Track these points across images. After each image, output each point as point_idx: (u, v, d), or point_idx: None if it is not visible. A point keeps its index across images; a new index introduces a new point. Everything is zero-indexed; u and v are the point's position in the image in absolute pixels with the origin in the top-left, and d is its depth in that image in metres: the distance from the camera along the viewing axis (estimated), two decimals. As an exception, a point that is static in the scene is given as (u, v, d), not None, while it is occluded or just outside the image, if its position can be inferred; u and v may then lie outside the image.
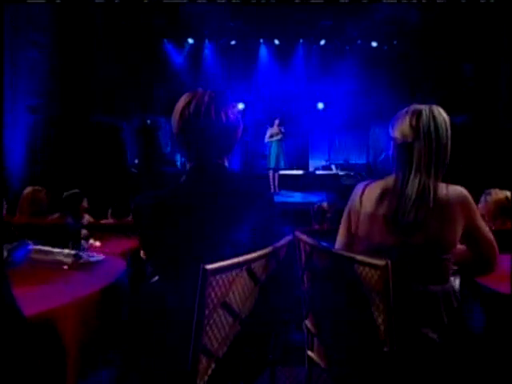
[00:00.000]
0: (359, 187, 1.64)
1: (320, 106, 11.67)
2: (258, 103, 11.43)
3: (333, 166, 10.38)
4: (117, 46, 9.14)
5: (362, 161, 11.24)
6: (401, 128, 1.56)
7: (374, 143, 11.16)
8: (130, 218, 5.13)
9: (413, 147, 1.49)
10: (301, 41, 11.20)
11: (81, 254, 1.63)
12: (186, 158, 1.36)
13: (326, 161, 11.02)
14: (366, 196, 1.57)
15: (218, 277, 1.15)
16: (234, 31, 10.55)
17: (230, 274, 1.19)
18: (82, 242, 3.22)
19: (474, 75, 9.18)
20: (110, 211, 5.32)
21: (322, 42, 11.14)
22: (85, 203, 4.23)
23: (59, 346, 1.04)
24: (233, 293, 1.23)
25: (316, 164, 11.10)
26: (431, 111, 1.49)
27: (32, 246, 1.59)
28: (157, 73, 10.35)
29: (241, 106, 11.69)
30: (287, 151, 9.49)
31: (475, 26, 8.26)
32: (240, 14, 9.71)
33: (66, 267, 1.53)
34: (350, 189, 4.94)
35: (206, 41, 11.14)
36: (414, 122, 1.51)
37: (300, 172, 10.32)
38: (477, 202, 3.58)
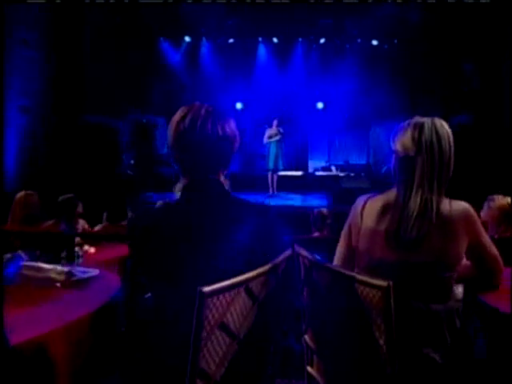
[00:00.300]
0: (360, 201, 1.63)
1: (320, 105, 11.68)
2: (257, 103, 11.44)
3: (333, 167, 10.37)
4: (112, 45, 9.10)
5: (363, 161, 11.23)
6: (402, 141, 1.56)
7: (374, 143, 11.14)
8: (125, 222, 5.14)
9: (415, 161, 1.48)
10: (300, 39, 11.21)
11: (74, 270, 1.61)
12: (181, 173, 1.34)
13: (326, 162, 11.02)
14: (367, 210, 1.57)
15: (215, 299, 1.14)
16: (231, 29, 10.53)
17: (228, 294, 1.18)
18: (77, 248, 3.19)
19: (476, 74, 9.19)
20: (104, 215, 5.30)
21: (322, 41, 11.15)
22: (80, 208, 4.20)
23: (50, 374, 1.02)
24: (230, 313, 1.22)
25: (315, 165, 11.09)
26: (433, 124, 1.48)
27: (24, 262, 1.57)
28: (153, 72, 10.33)
29: (239, 105, 11.73)
30: (286, 152, 9.49)
31: (477, 25, 8.26)
32: (238, 11, 9.70)
33: (58, 285, 1.52)
34: (350, 192, 4.96)
35: (204, 39, 11.13)
36: (416, 136, 1.50)
37: (299, 173, 10.33)
38: (480, 207, 3.58)
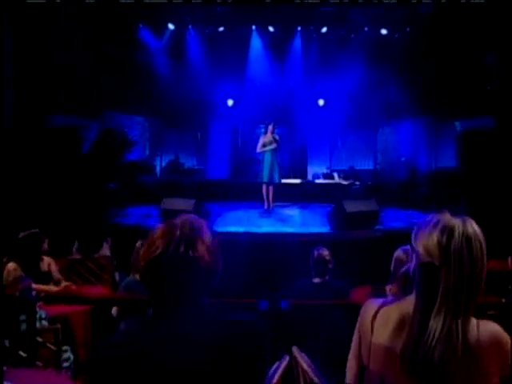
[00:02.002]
0: (370, 308, 1.53)
1: (320, 102, 11.62)
2: (250, 99, 11.35)
3: (335, 174, 10.30)
4: (83, 33, 8.84)
5: (369, 166, 11.22)
6: (427, 245, 1.45)
7: (382, 146, 11.17)
8: (99, 255, 5.02)
9: (440, 272, 1.39)
10: (299, 28, 11.10)
11: None
12: (153, 299, 1.27)
13: (327, 168, 10.98)
14: (379, 322, 1.47)
15: None
16: (221, 16, 10.37)
17: None
18: (38, 310, 3.09)
19: (501, 70, 9.06)
20: (75, 245, 5.18)
21: (324, 30, 11.03)
22: (45, 245, 4.08)
23: None
24: None
25: (316, 170, 11.05)
26: (465, 230, 1.38)
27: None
28: (131, 65, 10.15)
29: (230, 102, 11.64)
30: (283, 158, 9.40)
31: (505, 10, 8.02)
32: (229, -5, 9.59)
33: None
34: (355, 217, 4.86)
35: (190, 27, 11.00)
36: (443, 242, 1.39)
37: (297, 181, 10.25)
38: (503, 225, 3.50)
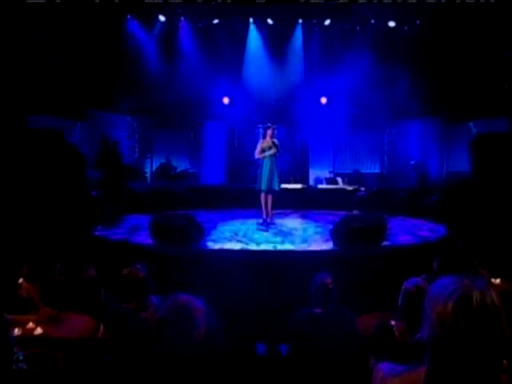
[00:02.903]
0: (377, 375, 1.50)
1: (323, 100, 11.55)
2: (247, 98, 11.31)
3: (339, 179, 10.24)
4: (66, 26, 8.75)
5: (375, 170, 11.17)
6: (441, 314, 1.40)
7: (390, 148, 11.15)
8: (85, 276, 4.93)
9: (454, 346, 1.34)
10: (300, 21, 11.05)
11: None
12: None
13: (330, 172, 10.92)
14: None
15: None
16: (216, 8, 10.25)
17: None
18: (16, 351, 3.01)
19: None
20: (58, 266, 5.09)
21: (327, 23, 10.97)
22: (24, 270, 4.00)
23: None
24: None
25: (318, 174, 11.00)
26: (483, 300, 1.33)
27: None
28: (118, 60, 10.04)
29: (226, 100, 11.56)
30: (282, 159, 9.27)
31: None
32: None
33: None
34: (360, 233, 4.80)
35: (182, 19, 10.91)
36: (459, 313, 1.35)
37: (298, 186, 10.16)
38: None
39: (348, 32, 10.99)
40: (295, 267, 4.87)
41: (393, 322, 3.13)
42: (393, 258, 5.31)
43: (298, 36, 11.24)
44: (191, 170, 11.22)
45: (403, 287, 3.12)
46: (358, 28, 11.04)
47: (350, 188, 9.79)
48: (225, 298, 4.35)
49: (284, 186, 9.09)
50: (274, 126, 7.80)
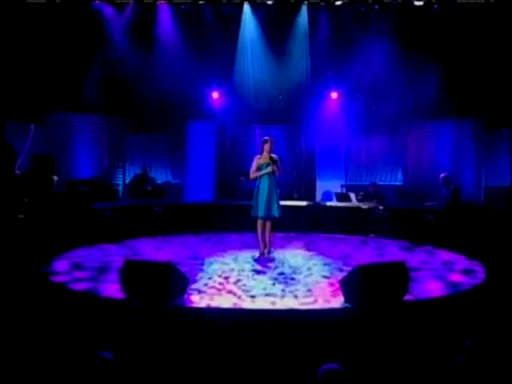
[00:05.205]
0: None
1: (333, 96, 11.39)
2: (241, 92, 11.26)
3: (352, 195, 9.92)
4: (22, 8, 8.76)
5: (396, 182, 10.96)
6: None
7: (414, 156, 10.91)
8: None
9: None
10: (305, 1, 10.89)
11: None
12: None
13: (342, 185, 10.70)
14: None
15: None
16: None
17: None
18: None
19: None
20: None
21: (338, 3, 10.73)
22: None
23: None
24: None
25: (327, 187, 10.75)
26: None
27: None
28: (85, 50, 9.91)
29: (215, 95, 11.41)
30: (283, 168, 9.02)
31: None
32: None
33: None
34: (377, 286, 4.55)
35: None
36: None
37: (303, 203, 9.87)
38: None
39: (363, 14, 10.77)
40: (296, 339, 4.63)
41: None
42: (416, 320, 5.04)
43: (303, 19, 11.10)
44: (174, 182, 11.06)
45: None
46: (376, 7, 10.77)
47: (364, 207, 9.56)
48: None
49: (285, 203, 8.85)
50: (273, 139, 7.60)
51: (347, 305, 5.39)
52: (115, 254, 7.36)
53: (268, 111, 11.10)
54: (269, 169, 7.42)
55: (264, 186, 7.49)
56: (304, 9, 11.05)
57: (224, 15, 10.87)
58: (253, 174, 7.50)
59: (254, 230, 7.68)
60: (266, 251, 7.68)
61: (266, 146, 7.46)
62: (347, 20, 10.84)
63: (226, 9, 10.82)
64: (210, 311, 5.30)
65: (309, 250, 8.21)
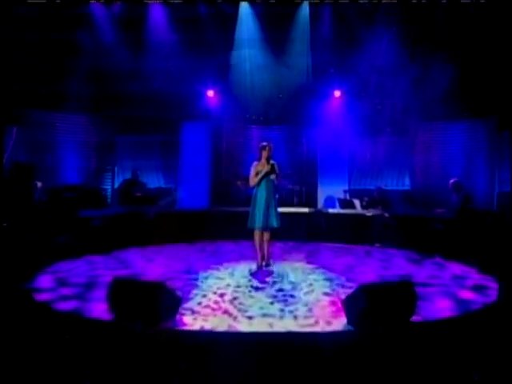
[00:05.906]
0: None
1: (336, 94, 11.36)
2: (238, 92, 11.24)
3: (356, 202, 9.86)
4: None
5: (403, 186, 10.91)
6: None
7: (422, 159, 10.83)
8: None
9: None
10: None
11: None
12: None
13: (345, 191, 10.63)
14: None
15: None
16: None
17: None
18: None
19: None
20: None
21: (343, -1, 10.59)
22: None
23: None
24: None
25: (329, 192, 10.69)
26: None
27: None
28: (69, 45, 9.86)
29: (211, 93, 11.37)
30: (283, 174, 8.98)
31: None
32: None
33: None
34: (381, 307, 4.44)
35: (151, -7, 10.63)
36: None
37: (304, 210, 9.82)
38: None
39: (368, 9, 10.69)
40: (295, 364, 4.53)
41: None
42: (423, 343, 4.93)
43: (304, 13, 11.07)
44: (166, 186, 11.01)
45: None
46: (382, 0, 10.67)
47: (369, 214, 9.48)
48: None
49: (285, 209, 8.78)
50: (271, 145, 7.51)
51: (349, 327, 5.31)
52: (103, 268, 7.25)
53: (266, 111, 11.13)
54: (267, 168, 7.38)
55: (261, 194, 7.42)
56: (305, 3, 11.03)
57: (220, 9, 10.80)
58: (253, 181, 7.41)
59: (252, 238, 7.58)
60: (264, 264, 7.61)
61: (265, 153, 7.36)
62: (351, 14, 10.76)
63: (221, 2, 10.77)
64: (202, 335, 5.20)
65: (310, 262, 8.10)
